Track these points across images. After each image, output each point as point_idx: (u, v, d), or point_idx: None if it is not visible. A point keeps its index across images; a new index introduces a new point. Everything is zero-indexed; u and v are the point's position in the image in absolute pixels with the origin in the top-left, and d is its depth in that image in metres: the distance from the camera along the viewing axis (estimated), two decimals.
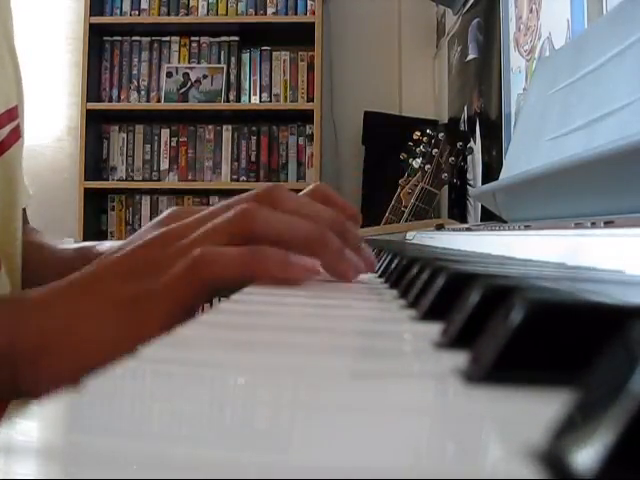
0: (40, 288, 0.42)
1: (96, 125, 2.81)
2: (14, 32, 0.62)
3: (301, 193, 0.48)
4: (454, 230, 1.23)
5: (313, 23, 2.65)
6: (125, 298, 0.39)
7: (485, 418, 0.15)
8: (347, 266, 0.43)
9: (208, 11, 2.79)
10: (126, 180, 2.84)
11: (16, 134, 0.58)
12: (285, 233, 0.41)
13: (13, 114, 0.58)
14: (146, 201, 2.84)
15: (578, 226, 0.56)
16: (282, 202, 0.42)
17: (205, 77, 2.79)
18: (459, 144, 2.05)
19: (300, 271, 0.39)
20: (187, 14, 2.79)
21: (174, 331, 0.22)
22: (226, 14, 2.78)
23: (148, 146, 2.84)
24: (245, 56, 2.81)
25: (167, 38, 2.85)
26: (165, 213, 0.49)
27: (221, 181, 2.77)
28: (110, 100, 2.83)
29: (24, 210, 0.64)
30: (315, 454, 0.12)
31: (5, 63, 0.58)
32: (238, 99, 2.79)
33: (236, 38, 2.81)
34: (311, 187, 0.48)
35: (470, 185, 2.15)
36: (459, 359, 0.19)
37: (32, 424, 0.13)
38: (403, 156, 2.12)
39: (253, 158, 2.79)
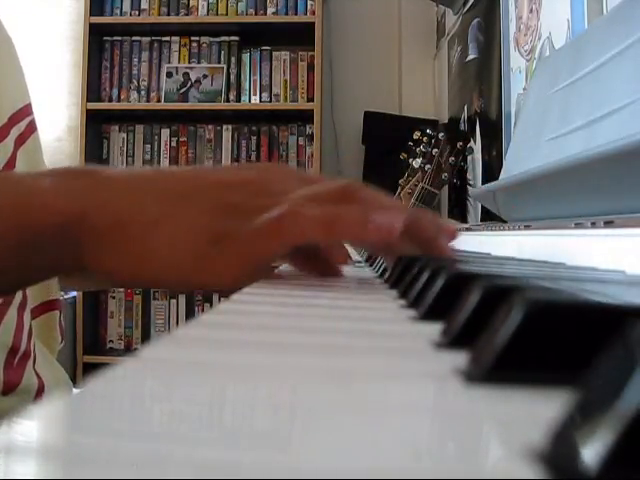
0: (119, 170, 0.42)
1: (96, 125, 2.81)
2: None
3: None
4: None
5: (313, 23, 2.65)
6: (213, 232, 0.38)
7: (485, 418, 0.15)
8: (444, 243, 0.44)
9: (208, 11, 2.79)
10: None
11: (32, 127, 0.63)
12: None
13: (29, 109, 0.63)
14: None
15: (578, 226, 0.56)
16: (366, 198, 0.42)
17: (205, 77, 2.79)
18: (459, 144, 2.05)
19: (379, 231, 0.38)
20: (187, 14, 2.79)
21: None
22: (226, 14, 2.78)
23: (148, 146, 2.84)
24: (245, 56, 2.81)
25: (167, 38, 2.85)
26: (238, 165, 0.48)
27: None
28: (110, 100, 2.83)
29: None
30: (315, 454, 0.12)
31: (15, 65, 0.62)
32: (238, 99, 2.79)
33: (236, 38, 2.81)
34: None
35: (470, 185, 2.15)
36: (459, 359, 0.19)
37: (32, 424, 0.13)
38: (403, 156, 2.12)
39: (253, 158, 2.79)
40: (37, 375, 0.63)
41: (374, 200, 0.41)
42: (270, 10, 2.77)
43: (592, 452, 0.11)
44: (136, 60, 2.85)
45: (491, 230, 0.88)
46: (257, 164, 0.45)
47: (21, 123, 0.60)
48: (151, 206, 0.39)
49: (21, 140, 0.60)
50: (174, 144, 2.83)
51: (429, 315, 0.28)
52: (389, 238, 0.39)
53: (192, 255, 0.38)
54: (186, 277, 0.39)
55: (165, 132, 2.84)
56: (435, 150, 2.04)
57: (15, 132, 0.59)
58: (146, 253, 0.39)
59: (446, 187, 2.26)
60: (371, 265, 0.68)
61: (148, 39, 2.85)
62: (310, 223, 0.38)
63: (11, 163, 0.57)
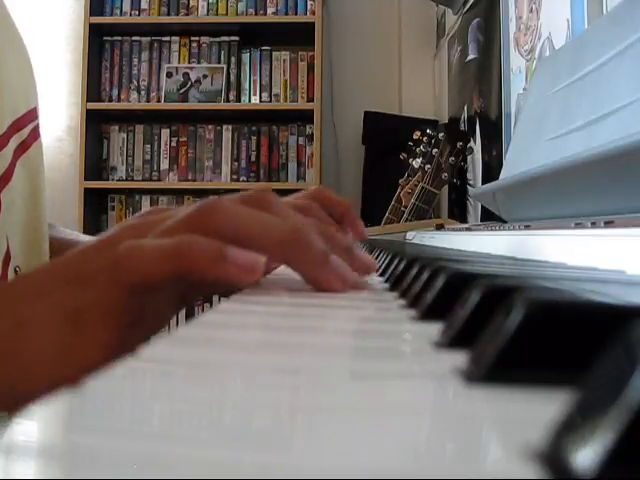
0: None
1: (96, 125, 2.81)
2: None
3: (299, 195, 0.47)
4: (454, 230, 1.23)
5: (313, 23, 2.65)
6: (66, 310, 0.34)
7: (485, 418, 0.15)
8: (332, 275, 0.36)
9: (208, 11, 2.79)
10: (126, 180, 2.84)
11: (35, 133, 0.59)
12: (253, 232, 0.35)
13: (34, 114, 0.59)
14: (146, 201, 2.84)
15: (578, 226, 0.56)
16: (265, 206, 0.37)
17: (205, 77, 2.79)
18: (459, 144, 2.05)
19: (236, 269, 0.32)
20: (187, 14, 2.79)
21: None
22: (226, 14, 2.78)
23: (148, 146, 2.84)
24: (245, 56, 2.81)
25: (167, 38, 2.85)
26: (145, 210, 0.43)
27: (221, 181, 2.77)
28: (110, 100, 2.83)
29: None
30: (315, 454, 0.12)
31: (24, 67, 0.59)
32: (238, 99, 2.79)
33: (236, 38, 2.81)
34: (310, 190, 0.44)
35: (470, 185, 2.15)
36: (459, 359, 0.19)
37: (32, 424, 0.13)
38: (403, 156, 2.12)
39: (253, 158, 2.79)
40: None
41: (241, 219, 0.35)
42: (270, 10, 2.77)
43: (592, 452, 0.11)
44: (136, 60, 2.85)
45: (491, 230, 0.88)
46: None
47: (24, 130, 0.56)
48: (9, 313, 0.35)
49: (22, 148, 0.56)
50: (174, 144, 2.83)
51: (429, 315, 0.27)
52: (249, 278, 0.33)
53: (57, 345, 0.34)
54: (58, 372, 0.34)
55: (165, 132, 2.84)
56: (435, 150, 2.04)
57: (16, 140, 0.55)
58: (14, 361, 0.34)
59: (446, 187, 2.26)
60: None
61: (148, 39, 2.85)
62: (149, 257, 0.33)
63: (8, 174, 0.54)
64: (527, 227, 0.71)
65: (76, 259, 0.37)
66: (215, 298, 2.78)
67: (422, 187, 2.05)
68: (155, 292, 0.35)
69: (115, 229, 0.38)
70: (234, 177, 2.78)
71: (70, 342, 0.34)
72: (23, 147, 0.56)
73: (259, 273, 0.33)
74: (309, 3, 2.73)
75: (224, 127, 2.81)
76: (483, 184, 1.88)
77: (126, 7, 2.81)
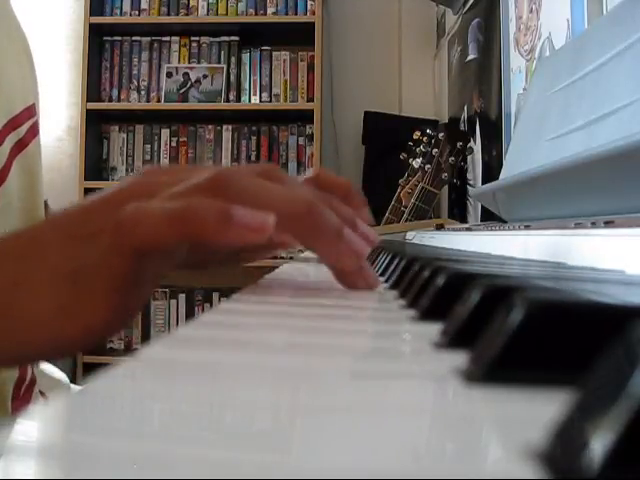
0: None
1: (96, 125, 2.81)
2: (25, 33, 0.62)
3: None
4: (454, 230, 1.23)
5: (313, 23, 2.65)
6: (66, 270, 0.33)
7: (485, 418, 0.15)
8: (346, 250, 0.35)
9: (208, 11, 2.79)
10: None
11: (34, 130, 0.58)
12: (267, 205, 0.33)
13: (31, 111, 0.58)
14: None
15: (578, 226, 0.55)
16: (278, 179, 0.36)
17: (205, 77, 2.79)
18: (459, 144, 2.05)
19: (243, 229, 0.31)
20: (187, 14, 2.79)
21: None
22: (226, 14, 2.78)
23: (148, 146, 2.84)
24: (245, 56, 2.81)
25: (167, 38, 2.85)
26: (145, 169, 0.40)
27: None
28: (110, 100, 2.83)
29: (45, 202, 0.64)
30: (315, 454, 0.12)
31: (22, 62, 0.58)
32: (238, 99, 2.79)
33: (236, 38, 2.81)
34: (309, 176, 0.43)
35: (470, 185, 2.15)
36: (459, 359, 0.19)
37: (32, 424, 0.13)
38: (403, 156, 2.12)
39: (253, 158, 2.79)
40: (41, 393, 0.63)
41: (255, 190, 0.34)
42: (270, 10, 2.77)
43: (592, 452, 0.11)
44: (136, 60, 2.85)
45: (491, 230, 0.88)
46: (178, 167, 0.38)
47: (21, 128, 0.55)
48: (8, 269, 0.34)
49: (20, 147, 0.55)
50: (174, 144, 2.83)
51: (429, 315, 0.28)
52: (256, 238, 0.31)
53: (55, 305, 0.33)
54: (58, 332, 0.33)
55: (165, 132, 2.84)
56: (435, 150, 2.04)
57: (13, 138, 0.54)
58: (12, 321, 0.33)
59: (446, 187, 2.26)
60: (371, 264, 0.68)
61: (148, 39, 2.85)
62: (154, 222, 0.31)
63: (3, 174, 0.53)
64: (527, 227, 0.71)
65: (77, 215, 0.36)
66: (215, 298, 2.78)
67: (422, 187, 2.05)
68: (158, 256, 0.34)
69: (119, 186, 0.37)
70: None
71: (69, 303, 0.33)
72: (20, 146, 0.55)
73: (267, 232, 0.32)
74: (309, 3, 2.73)
75: (224, 127, 2.81)
76: (483, 184, 1.88)
77: (126, 7, 2.81)
